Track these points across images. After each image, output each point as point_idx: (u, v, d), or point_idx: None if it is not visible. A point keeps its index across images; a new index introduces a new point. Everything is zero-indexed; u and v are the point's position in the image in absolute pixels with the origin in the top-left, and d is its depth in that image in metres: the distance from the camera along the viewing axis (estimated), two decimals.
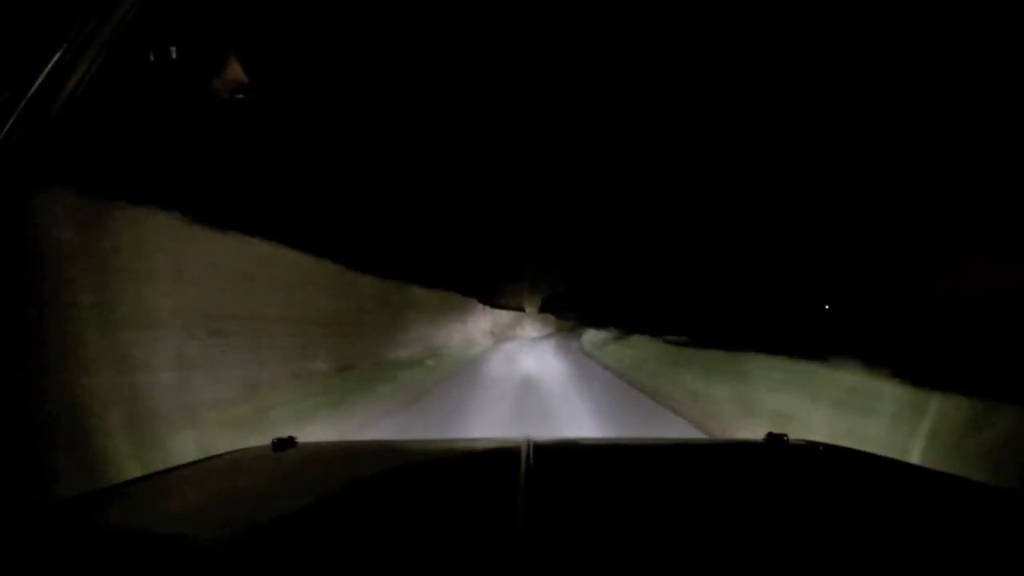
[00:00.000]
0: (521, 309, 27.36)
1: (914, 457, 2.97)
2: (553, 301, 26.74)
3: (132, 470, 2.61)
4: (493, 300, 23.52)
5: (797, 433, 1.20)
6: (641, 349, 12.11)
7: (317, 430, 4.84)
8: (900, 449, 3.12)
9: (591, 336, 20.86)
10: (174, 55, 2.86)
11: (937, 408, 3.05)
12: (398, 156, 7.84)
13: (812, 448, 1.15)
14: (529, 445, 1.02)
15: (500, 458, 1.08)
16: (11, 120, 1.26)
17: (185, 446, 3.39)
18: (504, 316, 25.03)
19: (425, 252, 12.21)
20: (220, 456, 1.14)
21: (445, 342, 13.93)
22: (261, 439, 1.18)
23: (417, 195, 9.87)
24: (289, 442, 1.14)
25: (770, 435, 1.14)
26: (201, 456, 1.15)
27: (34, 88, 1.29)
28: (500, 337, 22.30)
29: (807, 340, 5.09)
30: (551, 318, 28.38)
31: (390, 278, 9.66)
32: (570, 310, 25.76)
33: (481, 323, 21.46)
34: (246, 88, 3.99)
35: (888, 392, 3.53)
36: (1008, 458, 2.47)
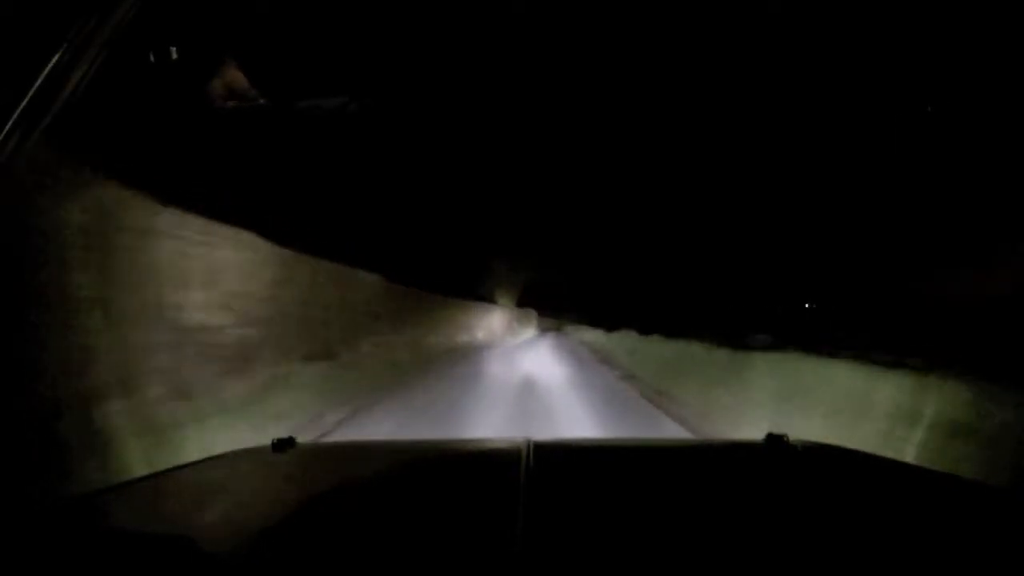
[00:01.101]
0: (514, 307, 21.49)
1: (911, 456, 2.98)
2: (545, 300, 21.03)
3: (137, 466, 2.61)
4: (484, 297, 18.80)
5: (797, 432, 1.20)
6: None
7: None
8: (896, 449, 3.13)
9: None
10: (174, 55, 2.86)
11: (934, 406, 3.06)
12: (395, 156, 7.82)
13: (812, 448, 1.15)
14: (529, 445, 1.02)
15: (500, 458, 1.08)
16: (11, 120, 1.26)
17: (192, 443, 3.39)
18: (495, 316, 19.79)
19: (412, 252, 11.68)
20: (220, 456, 1.14)
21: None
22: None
23: (410, 194, 9.73)
24: (289, 442, 1.14)
25: (770, 435, 1.14)
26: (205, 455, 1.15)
27: (34, 88, 1.29)
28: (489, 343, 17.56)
29: (805, 338, 5.10)
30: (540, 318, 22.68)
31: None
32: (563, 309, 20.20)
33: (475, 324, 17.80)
34: (246, 89, 3.99)
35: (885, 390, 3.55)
36: (1007, 457, 2.48)
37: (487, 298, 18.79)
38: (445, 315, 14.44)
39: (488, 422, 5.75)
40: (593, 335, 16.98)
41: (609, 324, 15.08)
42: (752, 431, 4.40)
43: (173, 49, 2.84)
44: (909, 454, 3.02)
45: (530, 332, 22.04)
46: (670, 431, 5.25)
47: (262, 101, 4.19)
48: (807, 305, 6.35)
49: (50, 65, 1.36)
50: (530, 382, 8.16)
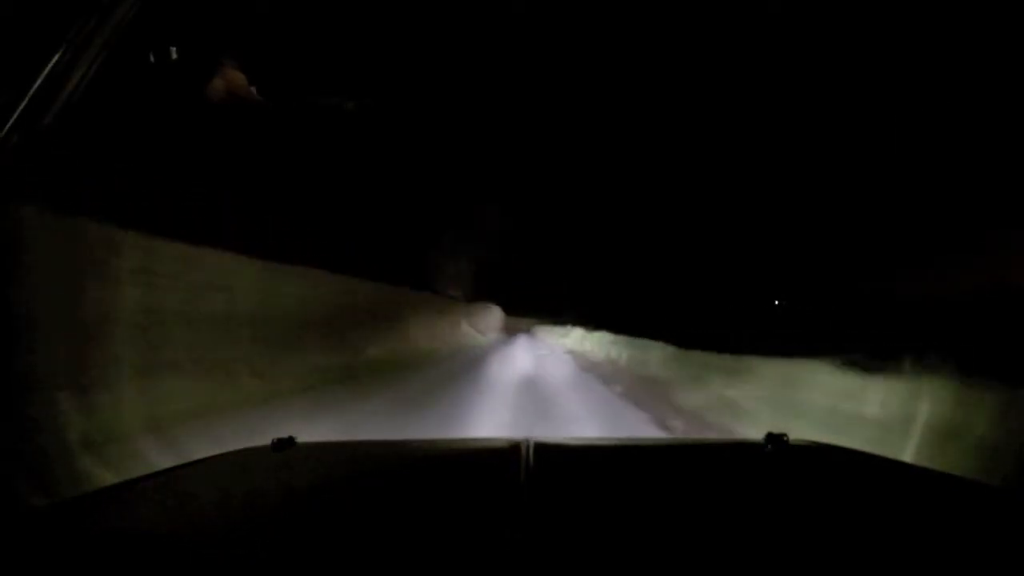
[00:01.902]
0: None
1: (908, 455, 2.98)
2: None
3: (95, 480, 2.54)
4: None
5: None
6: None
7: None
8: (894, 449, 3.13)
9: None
10: (174, 55, 2.86)
11: (928, 404, 3.07)
12: (392, 155, 7.77)
13: (812, 448, 1.15)
14: (529, 445, 1.03)
15: (500, 458, 1.08)
16: (11, 120, 1.26)
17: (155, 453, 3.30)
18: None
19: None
20: (220, 456, 1.14)
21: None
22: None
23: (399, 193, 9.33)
24: (289, 442, 1.14)
25: (770, 435, 1.14)
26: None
27: (34, 88, 1.29)
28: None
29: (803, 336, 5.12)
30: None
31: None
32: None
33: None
34: (245, 89, 3.99)
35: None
36: (1006, 455, 2.48)
37: (424, 285, 11.70)
38: (357, 313, 9.22)
39: None
40: (586, 344, 11.77)
41: (601, 324, 11.62)
42: (752, 431, 4.40)
43: (173, 49, 2.84)
44: (906, 453, 3.03)
45: (489, 338, 14.54)
46: (669, 431, 5.24)
47: (261, 100, 4.19)
48: (777, 302, 6.33)
49: (50, 65, 1.36)
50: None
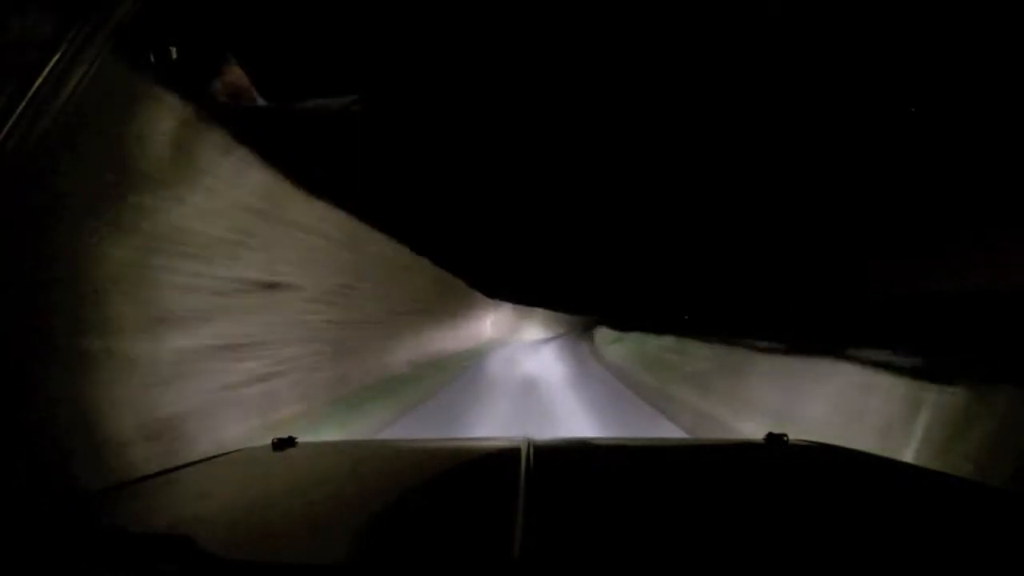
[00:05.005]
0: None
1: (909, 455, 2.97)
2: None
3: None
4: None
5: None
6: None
7: None
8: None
9: None
10: (174, 55, 2.85)
11: (932, 406, 3.06)
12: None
13: (812, 448, 1.15)
14: (529, 445, 1.02)
15: (500, 458, 1.08)
16: (11, 120, 1.26)
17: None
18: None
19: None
20: (220, 456, 1.14)
21: None
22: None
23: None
24: (289, 442, 1.14)
25: (770, 435, 1.14)
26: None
27: (34, 88, 1.29)
28: None
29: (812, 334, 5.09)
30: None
31: None
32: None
33: None
34: (247, 90, 3.97)
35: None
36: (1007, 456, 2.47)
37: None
38: None
39: None
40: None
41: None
42: (752, 431, 4.39)
43: (173, 49, 2.83)
44: (907, 453, 3.01)
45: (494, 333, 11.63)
46: (669, 431, 5.23)
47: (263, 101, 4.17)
48: (786, 300, 6.26)
49: (50, 65, 1.36)
50: None
